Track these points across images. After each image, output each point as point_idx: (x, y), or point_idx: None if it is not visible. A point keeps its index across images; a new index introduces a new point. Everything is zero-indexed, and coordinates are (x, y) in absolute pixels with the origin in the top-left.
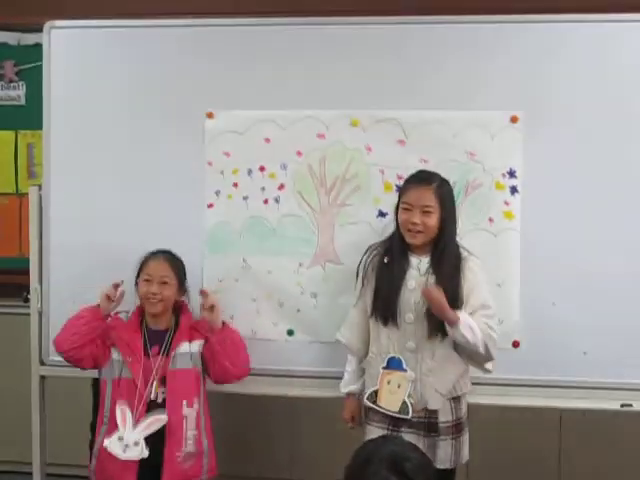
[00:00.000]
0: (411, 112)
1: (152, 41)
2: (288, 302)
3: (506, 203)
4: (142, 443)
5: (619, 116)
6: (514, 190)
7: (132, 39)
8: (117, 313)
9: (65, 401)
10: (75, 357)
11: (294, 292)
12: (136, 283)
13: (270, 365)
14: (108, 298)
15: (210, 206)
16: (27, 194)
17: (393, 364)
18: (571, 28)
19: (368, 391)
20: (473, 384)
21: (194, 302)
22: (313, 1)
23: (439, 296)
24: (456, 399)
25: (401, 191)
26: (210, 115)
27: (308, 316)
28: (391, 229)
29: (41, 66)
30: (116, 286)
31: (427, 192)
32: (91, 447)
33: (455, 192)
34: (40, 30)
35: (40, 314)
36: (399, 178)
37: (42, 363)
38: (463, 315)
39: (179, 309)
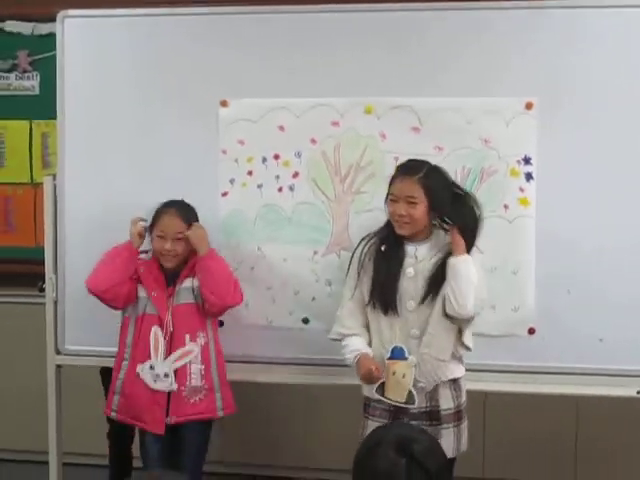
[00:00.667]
0: (426, 99)
1: (166, 29)
2: (303, 290)
3: (521, 190)
4: (172, 376)
5: (634, 103)
6: (529, 177)
7: (146, 28)
8: (139, 256)
9: (81, 390)
10: (114, 296)
11: (309, 280)
12: (150, 233)
13: (285, 353)
14: (139, 235)
15: (224, 194)
16: (42, 184)
17: (396, 354)
18: (587, 15)
19: (374, 385)
20: (489, 371)
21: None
22: None
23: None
24: (456, 385)
25: (390, 181)
26: (224, 103)
27: (323, 304)
28: None
29: (55, 56)
30: (138, 221)
31: (411, 183)
32: (109, 437)
33: (470, 179)
34: (53, 20)
35: (55, 303)
36: None
37: (58, 352)
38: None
39: (191, 253)
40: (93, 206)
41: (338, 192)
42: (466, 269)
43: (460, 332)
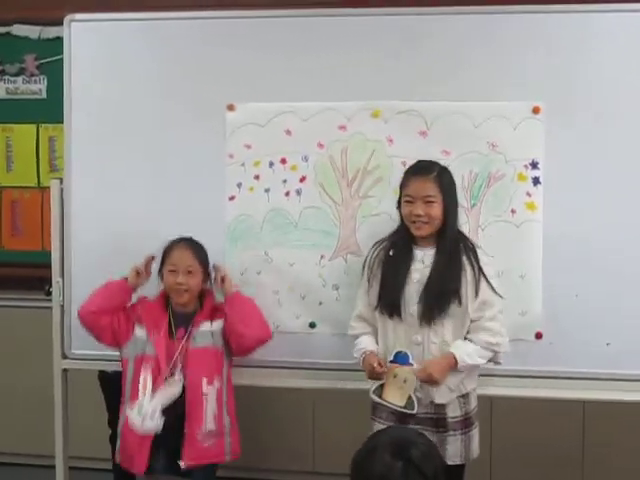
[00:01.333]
0: (433, 103)
1: (173, 34)
2: (310, 294)
3: (528, 194)
4: (158, 414)
5: None
6: (536, 181)
7: (152, 32)
8: (145, 297)
9: (87, 394)
10: (92, 324)
11: (316, 284)
12: (160, 272)
13: (292, 358)
14: (137, 272)
15: (231, 199)
16: (49, 188)
17: (400, 359)
18: (595, 19)
19: (374, 385)
20: (496, 376)
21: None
22: None
23: (435, 376)
24: (464, 394)
25: (402, 183)
26: (231, 107)
27: (330, 308)
28: None
29: (62, 60)
30: (148, 262)
31: (427, 182)
32: (112, 441)
33: (477, 184)
34: (60, 24)
35: (62, 307)
36: None
37: (64, 356)
38: (458, 352)
39: (203, 293)
40: (100, 209)
41: (345, 196)
42: (471, 366)
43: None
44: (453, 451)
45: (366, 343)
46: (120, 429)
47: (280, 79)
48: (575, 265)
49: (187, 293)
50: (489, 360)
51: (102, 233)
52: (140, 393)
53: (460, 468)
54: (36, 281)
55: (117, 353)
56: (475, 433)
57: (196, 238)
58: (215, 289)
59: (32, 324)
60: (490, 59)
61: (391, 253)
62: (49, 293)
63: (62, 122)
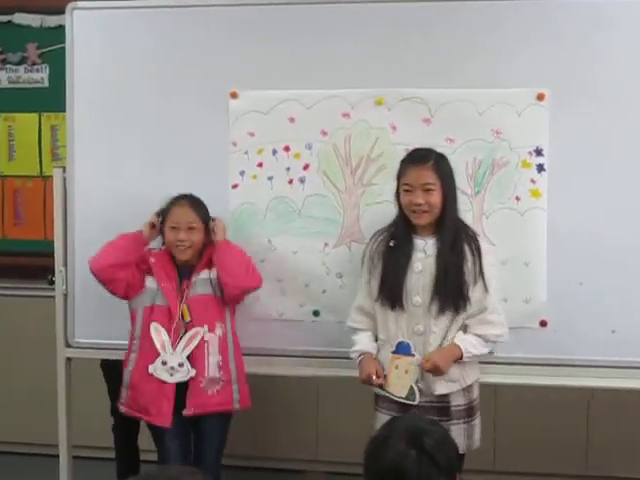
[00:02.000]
0: (436, 90)
1: (175, 21)
2: (314, 283)
3: (533, 181)
4: (186, 363)
5: None
6: (541, 168)
7: (154, 19)
8: (150, 249)
9: (91, 383)
10: (110, 277)
11: (320, 272)
12: (161, 230)
13: (296, 346)
14: (152, 226)
15: (235, 187)
16: (51, 177)
17: (401, 349)
18: (601, 5)
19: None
20: (500, 364)
21: None
22: None
23: (440, 365)
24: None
25: (399, 172)
26: (234, 95)
27: (334, 296)
28: None
29: (64, 48)
30: (158, 214)
31: (426, 170)
32: (114, 431)
33: (481, 171)
34: (62, 12)
35: (65, 296)
36: None
37: (68, 345)
38: (463, 343)
39: (204, 246)
40: (103, 198)
41: (349, 184)
42: (475, 355)
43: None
44: (455, 440)
45: (364, 343)
46: (127, 380)
47: (283, 66)
48: (580, 252)
49: (190, 249)
50: None
51: (105, 222)
52: (160, 350)
53: (460, 458)
54: (39, 270)
55: (121, 342)
56: (477, 423)
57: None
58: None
59: (35, 313)
60: (495, 46)
61: (391, 244)
62: (52, 282)
63: (64, 111)
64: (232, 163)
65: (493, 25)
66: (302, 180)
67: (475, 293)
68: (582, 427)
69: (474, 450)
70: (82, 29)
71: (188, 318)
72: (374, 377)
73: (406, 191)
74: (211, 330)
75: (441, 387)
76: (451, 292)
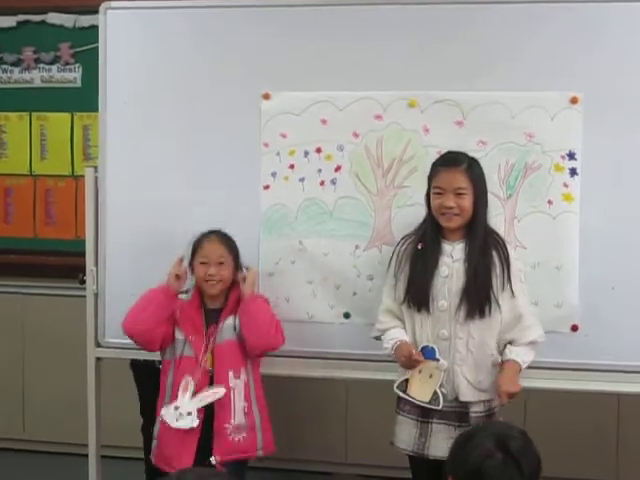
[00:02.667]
0: (469, 93)
1: (208, 22)
2: (344, 285)
3: (565, 185)
4: (194, 413)
5: None
6: (574, 172)
7: (189, 19)
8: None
9: (120, 383)
10: (149, 339)
11: (350, 275)
12: (190, 265)
13: (326, 348)
14: (177, 277)
15: (266, 188)
16: (83, 176)
17: (426, 353)
18: (635, 9)
19: (399, 380)
20: (531, 368)
21: None
22: None
23: (512, 390)
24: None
25: (430, 175)
26: (266, 96)
27: (364, 299)
28: None
29: (97, 48)
30: (181, 261)
31: (458, 174)
32: (143, 431)
33: (513, 174)
34: (96, 11)
35: (96, 296)
36: None
37: (98, 345)
38: (518, 358)
39: (231, 286)
40: (134, 198)
41: (380, 186)
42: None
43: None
44: None
45: (398, 333)
46: (157, 431)
47: (316, 68)
48: (612, 257)
49: (219, 284)
50: None
51: (136, 222)
52: (179, 396)
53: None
54: (70, 270)
55: None
56: None
57: (231, 227)
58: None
59: (65, 313)
60: (528, 49)
61: (420, 247)
62: (83, 282)
63: (96, 111)
64: (264, 164)
65: (527, 28)
66: (333, 182)
67: (505, 300)
68: (612, 431)
69: None
70: (115, 29)
71: (210, 367)
72: (414, 351)
73: (437, 194)
74: (237, 376)
75: (467, 395)
76: (478, 297)
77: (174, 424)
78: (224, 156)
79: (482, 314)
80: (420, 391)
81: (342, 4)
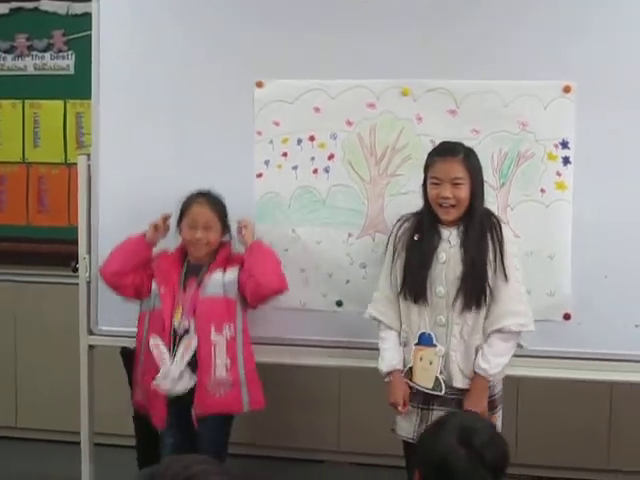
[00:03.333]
0: (462, 81)
1: (202, 10)
2: (337, 273)
3: (558, 174)
4: (187, 373)
5: None
6: (566, 161)
7: (181, 8)
8: (165, 251)
9: (113, 370)
10: (117, 284)
11: (343, 263)
12: (178, 226)
13: (318, 336)
14: (155, 228)
15: (259, 176)
16: (76, 164)
17: (424, 340)
18: None
19: (405, 369)
20: (523, 357)
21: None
22: None
23: (479, 410)
24: None
25: (427, 165)
26: (259, 84)
27: (357, 287)
28: None
29: (90, 35)
30: (165, 218)
31: (455, 163)
32: (135, 419)
33: (506, 163)
34: None
35: (88, 284)
36: None
37: (90, 332)
38: (483, 372)
39: (219, 245)
40: (127, 186)
41: (373, 174)
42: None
43: None
44: None
45: (391, 358)
46: (139, 378)
47: (309, 56)
48: (605, 245)
49: (206, 247)
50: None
51: (129, 210)
52: (158, 362)
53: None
54: (62, 257)
55: None
56: (499, 417)
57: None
58: (237, 239)
59: (58, 300)
60: (521, 38)
61: (416, 238)
62: (75, 269)
63: (90, 98)
64: (257, 152)
65: (520, 17)
66: (327, 170)
67: (496, 282)
68: (604, 420)
69: None
70: (108, 16)
71: (178, 320)
72: (399, 407)
73: (434, 184)
74: (218, 331)
75: (459, 381)
76: (475, 288)
77: (175, 391)
78: (217, 144)
79: (478, 305)
80: (423, 378)
81: None
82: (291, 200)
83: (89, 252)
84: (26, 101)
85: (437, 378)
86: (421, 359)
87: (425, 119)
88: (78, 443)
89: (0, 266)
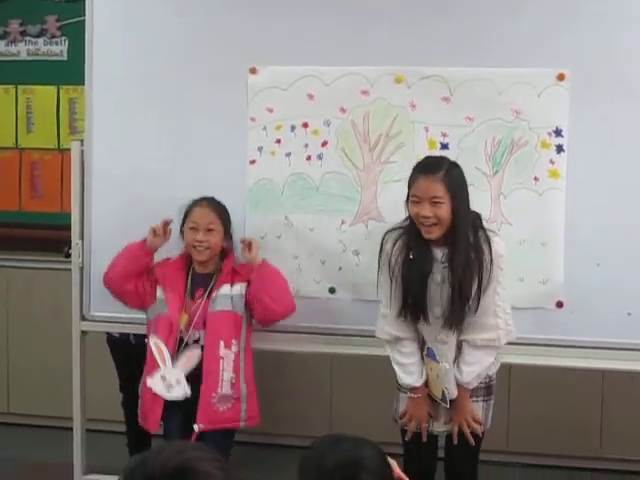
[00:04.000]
0: (456, 69)
1: None
2: (330, 260)
3: (552, 162)
4: (184, 381)
5: None
6: (560, 149)
7: None
8: (168, 258)
9: (105, 357)
10: (119, 291)
11: (336, 250)
12: (181, 231)
13: (311, 323)
14: (154, 232)
15: (252, 162)
16: (69, 149)
17: (430, 354)
18: None
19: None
20: (515, 344)
21: (238, 252)
22: None
23: (470, 421)
24: None
25: (410, 181)
26: (253, 70)
27: (350, 274)
28: None
29: (84, 21)
30: (166, 223)
31: (434, 182)
32: (124, 406)
33: (500, 151)
34: None
35: (81, 269)
36: (444, 136)
37: (83, 318)
38: (469, 378)
39: (224, 254)
40: (120, 172)
41: (367, 162)
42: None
43: None
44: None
45: (420, 369)
46: (140, 388)
47: (303, 43)
48: (597, 234)
49: (208, 251)
50: None
51: (122, 196)
52: (159, 362)
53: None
54: (55, 243)
55: (136, 316)
56: (492, 404)
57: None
58: (240, 255)
59: (51, 286)
60: (516, 25)
61: (411, 256)
62: (68, 255)
63: (83, 84)
64: (250, 139)
65: (514, 4)
66: (320, 157)
67: (476, 293)
68: (596, 408)
69: (488, 429)
70: (102, 2)
71: (182, 326)
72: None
73: (414, 202)
74: (227, 347)
75: (454, 393)
76: (461, 313)
77: (166, 395)
78: (210, 131)
79: (464, 322)
80: (433, 388)
81: None
82: (284, 187)
83: (82, 238)
84: (19, 86)
85: (443, 391)
86: (431, 369)
87: (419, 106)
88: (70, 429)
89: None
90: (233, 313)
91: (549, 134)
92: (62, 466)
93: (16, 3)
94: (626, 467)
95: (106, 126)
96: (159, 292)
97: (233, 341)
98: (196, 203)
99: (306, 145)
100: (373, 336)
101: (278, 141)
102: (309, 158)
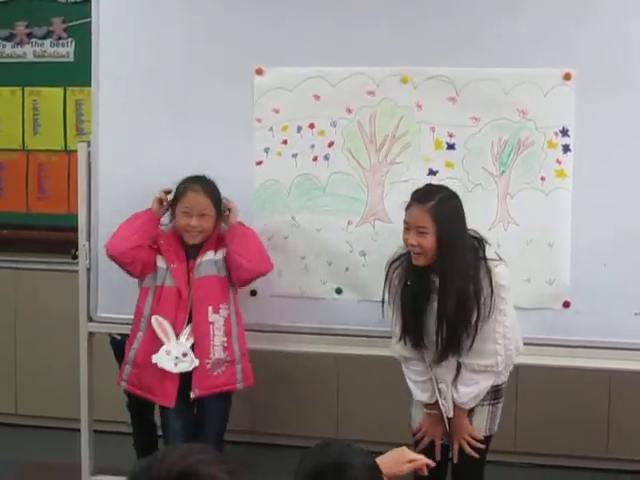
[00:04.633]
0: (463, 69)
1: None
2: (337, 260)
3: (558, 162)
4: (190, 353)
5: None
6: (567, 149)
7: None
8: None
9: (112, 358)
10: (132, 259)
11: (343, 250)
12: (172, 209)
13: (318, 323)
14: (160, 202)
15: (259, 163)
16: (76, 151)
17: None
18: None
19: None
20: (524, 345)
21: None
22: None
23: (468, 438)
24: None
25: (407, 206)
26: (259, 71)
27: (357, 275)
28: None
29: (90, 22)
30: (167, 192)
31: (422, 212)
32: (129, 408)
33: (507, 151)
34: None
35: (88, 271)
36: (450, 136)
37: (90, 320)
38: (459, 405)
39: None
40: (127, 173)
41: (373, 162)
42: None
43: None
44: (479, 422)
45: (434, 387)
46: (133, 355)
47: (309, 44)
48: (604, 234)
49: (201, 234)
50: None
51: (129, 197)
52: (163, 339)
53: (485, 441)
54: (62, 244)
55: None
56: (499, 408)
57: None
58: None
59: (58, 288)
60: (522, 25)
61: (409, 283)
62: (75, 257)
63: (89, 85)
64: (256, 140)
65: (521, 3)
66: (326, 157)
67: (478, 318)
68: (603, 408)
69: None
70: (108, 4)
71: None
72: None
73: (405, 228)
74: (216, 311)
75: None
76: (452, 343)
77: (175, 369)
78: (217, 132)
79: (454, 353)
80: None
81: None
82: (291, 188)
83: (89, 239)
84: (26, 88)
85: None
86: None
87: (425, 107)
88: (77, 430)
89: (0, 253)
90: (218, 277)
91: (556, 134)
92: (69, 467)
93: (22, 5)
94: (633, 467)
95: (113, 127)
96: (160, 261)
97: (221, 305)
98: (189, 186)
99: (312, 146)
100: (379, 337)
101: (284, 142)
102: (315, 159)
